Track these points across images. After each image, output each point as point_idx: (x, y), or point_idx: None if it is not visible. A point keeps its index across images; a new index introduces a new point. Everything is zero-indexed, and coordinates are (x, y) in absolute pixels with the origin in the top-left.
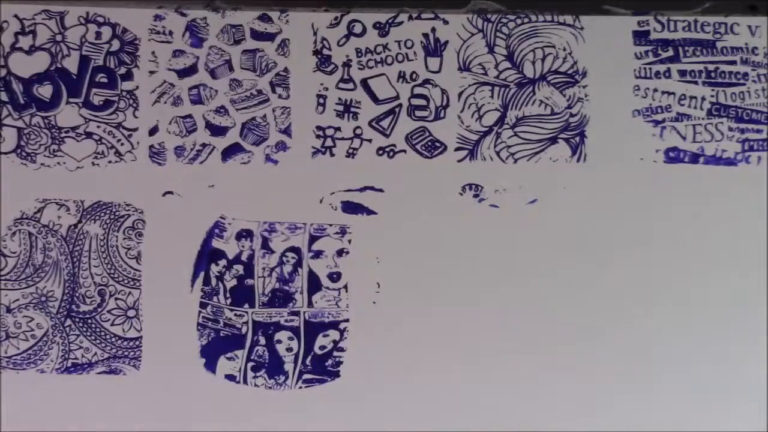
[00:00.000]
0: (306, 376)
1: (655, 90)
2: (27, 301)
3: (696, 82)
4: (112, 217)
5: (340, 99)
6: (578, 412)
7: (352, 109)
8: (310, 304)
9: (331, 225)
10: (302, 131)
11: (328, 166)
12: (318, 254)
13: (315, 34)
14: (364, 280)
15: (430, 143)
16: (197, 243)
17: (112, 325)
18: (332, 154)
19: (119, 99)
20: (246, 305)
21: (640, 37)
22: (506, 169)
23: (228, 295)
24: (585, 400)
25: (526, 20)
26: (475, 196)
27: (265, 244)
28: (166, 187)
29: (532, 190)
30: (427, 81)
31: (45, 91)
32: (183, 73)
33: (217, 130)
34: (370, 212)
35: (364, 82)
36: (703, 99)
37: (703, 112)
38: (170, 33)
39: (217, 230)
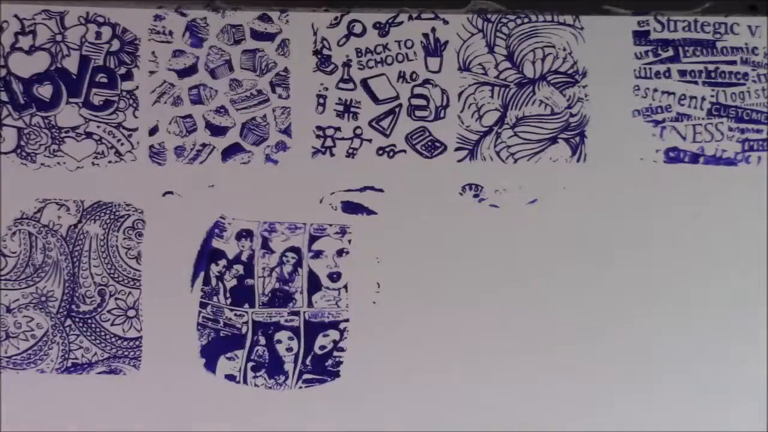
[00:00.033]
0: (306, 376)
1: (655, 90)
2: (27, 301)
3: (696, 82)
4: (112, 217)
5: (340, 99)
6: (578, 412)
7: (352, 109)
8: (310, 304)
9: (331, 225)
10: (302, 131)
11: (328, 166)
12: (318, 254)
13: (315, 34)
14: (364, 280)
15: (430, 143)
16: (197, 243)
17: (112, 325)
18: (332, 154)
19: (119, 99)
20: (246, 305)
21: (640, 37)
22: (506, 169)
23: (228, 295)
24: (585, 400)
25: (526, 20)
26: (475, 196)
27: (265, 244)
28: (166, 187)
29: (532, 190)
30: (427, 81)
31: (45, 91)
32: (183, 73)
33: (217, 130)
34: (370, 212)
35: (364, 82)
36: (703, 99)
37: (703, 112)
38: (170, 33)
39: (217, 230)
